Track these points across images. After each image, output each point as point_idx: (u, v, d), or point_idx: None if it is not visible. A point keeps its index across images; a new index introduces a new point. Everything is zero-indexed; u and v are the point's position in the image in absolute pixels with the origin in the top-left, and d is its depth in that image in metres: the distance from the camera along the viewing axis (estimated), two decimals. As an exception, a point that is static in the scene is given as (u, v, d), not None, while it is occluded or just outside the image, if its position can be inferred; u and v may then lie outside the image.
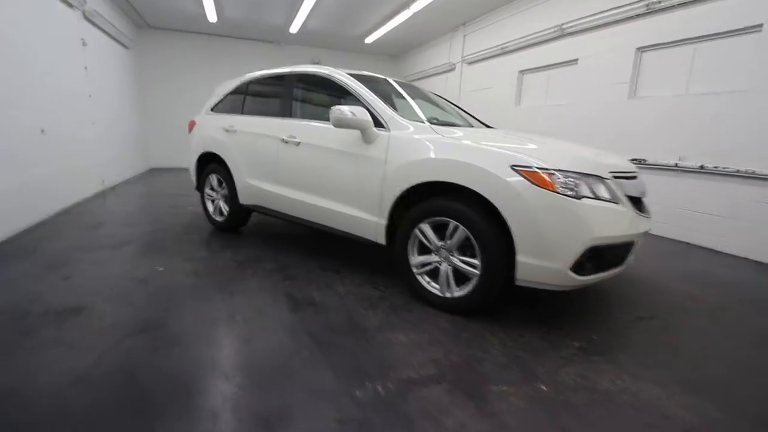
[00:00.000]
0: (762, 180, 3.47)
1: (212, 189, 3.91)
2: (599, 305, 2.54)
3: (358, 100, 2.68)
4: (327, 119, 2.90)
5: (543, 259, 1.92)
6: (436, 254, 2.30)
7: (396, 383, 1.62)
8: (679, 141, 4.11)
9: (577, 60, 5.29)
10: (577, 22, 5.11)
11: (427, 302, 2.36)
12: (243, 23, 8.18)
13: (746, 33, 3.54)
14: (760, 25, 3.41)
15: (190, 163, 4.11)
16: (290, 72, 3.22)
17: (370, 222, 2.55)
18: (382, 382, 1.63)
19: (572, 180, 1.92)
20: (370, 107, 2.57)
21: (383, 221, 2.48)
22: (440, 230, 2.26)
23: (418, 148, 2.29)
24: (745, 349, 2.08)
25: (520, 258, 1.96)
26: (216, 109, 3.91)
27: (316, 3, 6.52)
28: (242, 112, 3.58)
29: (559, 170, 1.93)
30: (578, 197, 1.90)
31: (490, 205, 2.05)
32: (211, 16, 7.47)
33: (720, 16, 3.69)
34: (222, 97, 3.86)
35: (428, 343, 1.97)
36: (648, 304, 2.60)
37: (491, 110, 6.59)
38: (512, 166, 1.96)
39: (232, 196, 3.61)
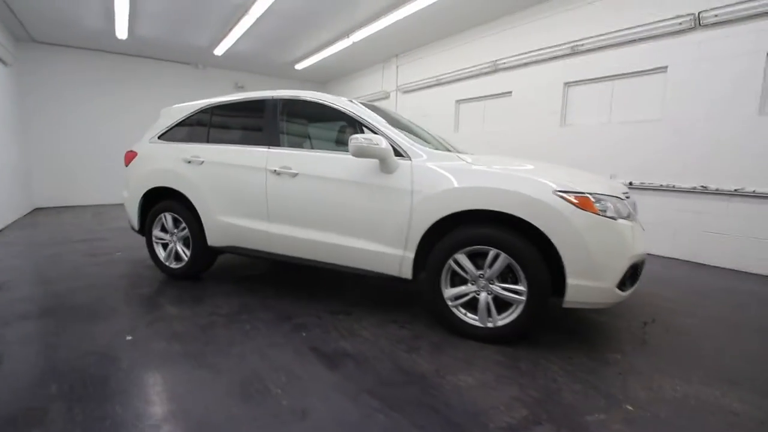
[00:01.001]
0: (681, 192, 4.20)
1: (164, 231, 3.29)
2: (588, 319, 2.72)
3: (367, 128, 2.53)
4: (329, 148, 2.70)
5: (593, 279, 1.98)
6: (473, 284, 2.23)
7: (504, 434, 1.48)
8: (608, 162, 4.77)
9: (511, 92, 5.88)
10: (510, 59, 5.71)
11: (465, 335, 2.26)
12: (159, 42, 7.34)
13: (655, 73, 4.34)
14: (666, 67, 4.21)
15: (130, 200, 3.41)
16: (274, 97, 2.91)
17: (393, 256, 2.37)
18: (490, 436, 1.47)
19: (605, 202, 2.05)
20: (385, 136, 2.44)
21: (410, 254, 2.33)
22: (475, 259, 2.21)
23: (453, 176, 2.22)
24: (742, 339, 2.41)
25: (571, 281, 1.99)
26: (166, 137, 3.34)
27: (252, 25, 6.16)
28: (208, 141, 3.12)
29: (595, 193, 2.04)
30: (615, 218, 2.03)
31: (531, 231, 2.07)
32: (121, 33, 6.53)
33: (632, 59, 4.47)
34: (174, 124, 3.32)
35: (495, 380, 1.85)
36: (637, 310, 2.87)
37: (433, 136, 6.91)
38: (555, 192, 2.02)
39: (196, 238, 3.07)
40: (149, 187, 3.25)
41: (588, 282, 1.98)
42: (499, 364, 2.01)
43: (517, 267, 2.08)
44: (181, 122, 3.30)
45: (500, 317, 2.18)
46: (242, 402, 1.65)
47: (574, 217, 1.97)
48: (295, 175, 2.63)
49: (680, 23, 3.99)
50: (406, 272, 2.37)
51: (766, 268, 3.70)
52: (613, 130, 4.74)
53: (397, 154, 2.39)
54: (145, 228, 3.37)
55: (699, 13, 3.85)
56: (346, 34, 6.64)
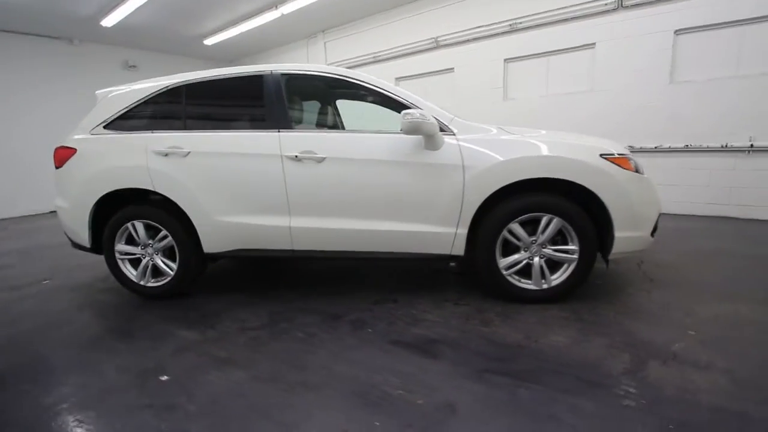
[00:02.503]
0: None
1: (132, 243, 2.65)
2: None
3: (400, 103, 2.37)
4: (353, 128, 2.46)
5: (635, 230, 2.23)
6: (525, 251, 2.32)
7: (649, 375, 1.60)
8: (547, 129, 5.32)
9: (453, 68, 6.08)
10: (452, 36, 5.87)
11: (523, 300, 2.35)
12: (22, 11, 5.64)
13: (585, 49, 4.92)
14: (594, 44, 4.81)
15: (74, 210, 2.65)
16: (274, 72, 2.49)
17: (445, 234, 2.31)
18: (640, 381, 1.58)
19: (635, 161, 2.30)
20: (428, 110, 2.31)
21: (464, 230, 2.30)
22: (524, 226, 2.29)
23: (504, 148, 2.22)
24: (716, 263, 2.97)
25: (618, 234, 2.21)
26: (115, 126, 2.64)
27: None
28: (186, 127, 2.56)
29: (626, 153, 2.28)
30: (643, 173, 2.29)
31: (573, 193, 2.23)
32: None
33: (565, 36, 4.99)
34: (125, 109, 2.63)
35: (580, 335, 1.98)
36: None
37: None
38: (601, 155, 2.19)
39: (184, 246, 2.54)
40: (106, 191, 2.55)
41: (631, 233, 2.23)
42: (568, 320, 2.15)
43: (570, 228, 2.22)
44: (136, 106, 2.63)
45: (553, 278, 2.32)
46: (376, 413, 1.47)
47: (618, 176, 2.17)
48: (321, 160, 2.33)
49: (606, 4, 4.58)
50: (459, 249, 2.35)
51: (680, 208, 4.61)
52: (550, 102, 5.28)
53: (441, 129, 2.30)
54: (102, 243, 2.67)
55: (621, -5, 4.48)
56: (274, 4, 6.01)
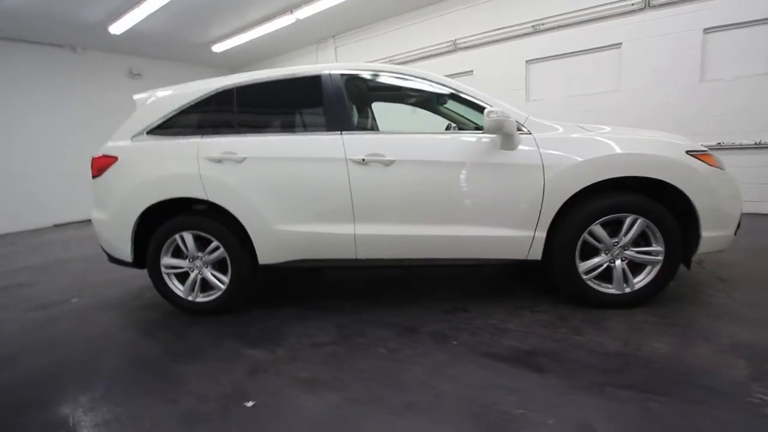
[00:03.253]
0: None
1: (179, 256, 2.48)
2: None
3: (472, 103, 2.27)
4: (418, 129, 2.34)
5: (720, 229, 2.14)
6: (606, 253, 2.21)
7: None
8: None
9: (472, 71, 6.03)
10: (471, 38, 5.82)
11: (601, 305, 2.24)
12: (27, 18, 5.43)
13: (611, 49, 4.90)
14: (620, 43, 4.79)
15: (115, 223, 2.48)
16: (332, 73, 2.37)
17: (522, 238, 2.20)
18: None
19: (717, 156, 2.22)
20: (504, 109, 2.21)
21: (542, 234, 2.18)
22: (606, 228, 2.19)
23: (584, 147, 2.13)
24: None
25: (705, 233, 2.11)
26: (160, 131, 2.48)
27: (175, -5, 5.01)
28: (237, 132, 2.41)
29: (708, 150, 2.20)
30: (725, 170, 2.21)
31: (656, 193, 2.13)
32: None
33: (590, 36, 4.97)
34: (172, 113, 2.48)
35: (680, 340, 1.88)
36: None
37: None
38: (687, 152, 2.10)
39: (237, 258, 2.38)
40: (153, 202, 2.38)
41: (718, 232, 2.14)
42: (661, 325, 2.04)
43: (655, 229, 2.13)
44: (182, 111, 2.48)
45: (636, 281, 2.22)
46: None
47: (705, 173, 2.09)
48: (390, 163, 2.21)
49: (632, 4, 4.57)
50: (536, 254, 2.23)
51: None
52: (573, 102, 5.24)
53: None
54: (147, 257, 2.49)
55: (648, -5, 4.47)
56: (289, 9, 5.90)
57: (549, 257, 2.24)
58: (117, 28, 5.95)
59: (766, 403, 1.41)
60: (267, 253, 2.38)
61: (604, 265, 2.22)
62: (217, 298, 2.47)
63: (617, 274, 2.20)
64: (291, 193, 2.31)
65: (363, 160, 2.21)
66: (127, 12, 5.48)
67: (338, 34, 7.43)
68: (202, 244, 2.45)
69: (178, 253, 2.50)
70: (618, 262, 2.20)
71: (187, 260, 2.48)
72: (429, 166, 2.21)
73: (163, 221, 2.46)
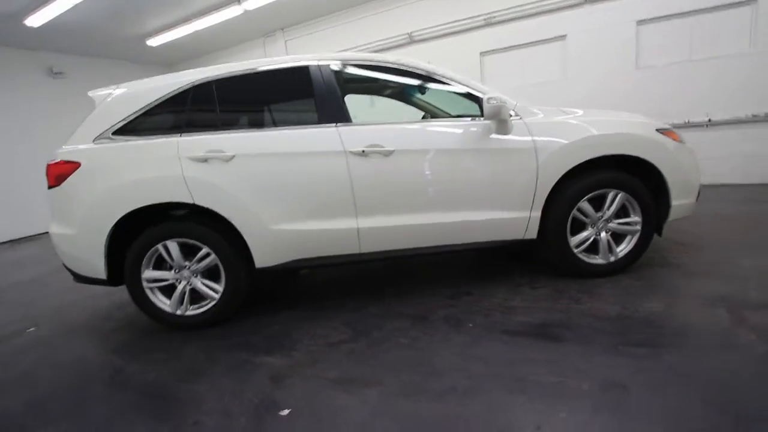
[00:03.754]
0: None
1: (162, 267, 2.26)
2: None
3: (469, 91, 2.32)
4: (415, 118, 2.34)
5: (686, 197, 2.40)
6: (592, 227, 2.39)
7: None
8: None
9: (429, 63, 6.12)
10: (426, 31, 5.92)
11: (591, 275, 2.42)
12: None
13: (557, 41, 5.25)
14: (565, 35, 5.15)
15: (83, 236, 2.20)
16: (321, 64, 2.28)
17: (520, 219, 2.30)
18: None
19: (680, 133, 2.48)
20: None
21: (537, 213, 2.30)
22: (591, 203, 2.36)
23: (571, 129, 2.26)
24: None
25: (674, 202, 2.36)
26: (128, 131, 2.23)
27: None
28: (220, 128, 2.23)
29: (672, 127, 2.45)
30: (685, 143, 2.48)
31: (632, 168, 2.34)
32: None
33: (538, 29, 5.28)
34: (140, 111, 2.24)
35: (671, 299, 2.10)
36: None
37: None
38: (657, 130, 2.32)
39: (231, 263, 2.23)
40: (130, 209, 2.14)
41: (684, 200, 2.39)
42: (647, 287, 2.25)
43: (633, 201, 2.33)
44: (153, 107, 2.25)
45: (619, 250, 2.42)
46: (551, 405, 1.40)
47: (672, 148, 2.33)
48: (389, 153, 2.19)
49: (575, -2, 4.94)
50: (532, 233, 2.35)
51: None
52: (525, 92, 5.54)
53: (507, 114, 2.28)
54: (125, 272, 2.23)
55: (589, -10, 4.85)
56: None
57: (543, 235, 2.37)
58: (35, 20, 5.20)
59: (755, 343, 1.62)
60: (264, 256, 2.26)
61: (591, 239, 2.40)
62: (211, 308, 2.30)
63: (603, 246, 2.39)
64: (287, 190, 2.20)
65: (363, 151, 2.17)
66: (48, 2, 4.83)
67: (288, 27, 7.16)
68: (188, 252, 2.26)
69: (160, 264, 2.28)
70: (603, 234, 2.39)
71: (173, 271, 2.27)
72: (428, 155, 2.23)
73: (139, 231, 2.24)
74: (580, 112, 2.52)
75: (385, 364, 1.77)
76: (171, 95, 2.26)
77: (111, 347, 2.29)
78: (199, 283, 2.29)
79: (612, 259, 2.41)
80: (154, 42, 6.80)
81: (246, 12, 5.82)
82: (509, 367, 1.65)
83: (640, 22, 4.73)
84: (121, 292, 2.66)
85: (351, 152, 2.18)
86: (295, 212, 2.22)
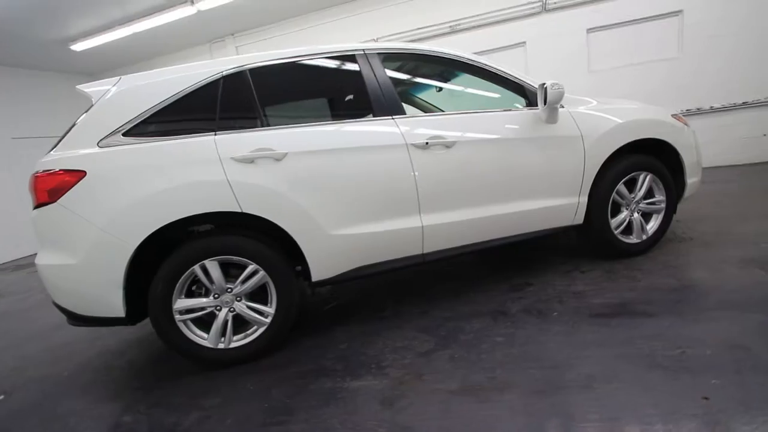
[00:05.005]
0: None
1: (199, 294, 1.88)
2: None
3: (505, 81, 2.33)
4: (468, 107, 2.28)
5: (696, 176, 2.66)
6: (626, 209, 2.52)
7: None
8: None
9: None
10: (391, 38, 5.92)
11: (627, 255, 2.54)
12: None
13: (517, 47, 5.61)
14: (524, 42, 5.53)
15: (99, 265, 1.74)
16: (368, 51, 2.10)
17: (569, 206, 2.34)
18: None
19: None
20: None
21: (585, 198, 2.37)
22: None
23: (609, 116, 2.37)
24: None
25: (689, 180, 2.60)
26: (143, 132, 1.82)
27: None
28: (264, 125, 1.93)
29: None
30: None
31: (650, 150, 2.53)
32: None
33: (500, 36, 5.59)
34: (156, 107, 1.84)
35: (714, 270, 2.26)
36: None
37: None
38: (672, 116, 2.55)
39: (284, 280, 1.93)
40: (159, 226, 1.74)
41: (695, 179, 2.65)
42: (680, 259, 2.44)
43: (659, 182, 2.52)
44: (175, 102, 1.87)
45: (649, 227, 2.59)
46: (694, 377, 1.40)
47: (685, 131, 2.57)
48: (451, 144, 2.08)
49: (532, 8, 5.32)
50: (580, 218, 2.41)
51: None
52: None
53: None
54: (150, 304, 1.80)
55: (545, 0, 5.27)
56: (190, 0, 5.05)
57: (588, 219, 2.45)
58: None
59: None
60: (322, 267, 1.99)
61: (627, 220, 2.54)
62: (261, 336, 1.95)
63: (636, 225, 2.54)
64: (346, 190, 1.98)
65: (426, 143, 2.04)
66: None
67: (239, 32, 6.69)
68: (225, 272, 1.91)
69: (198, 290, 1.89)
70: (636, 214, 2.54)
71: (212, 296, 1.89)
72: (487, 145, 2.18)
73: (163, 253, 1.84)
74: (595, 102, 2.67)
75: (500, 365, 1.65)
76: (195, 88, 1.91)
77: (132, 403, 1.81)
78: (245, 308, 1.94)
79: (644, 237, 2.57)
80: (79, 46, 5.85)
81: (199, 12, 5.30)
82: (626, 346, 1.64)
83: (590, 30, 5.27)
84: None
85: (413, 145, 2.03)
86: (356, 214, 2.00)
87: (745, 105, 4.89)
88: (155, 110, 1.86)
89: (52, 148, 1.86)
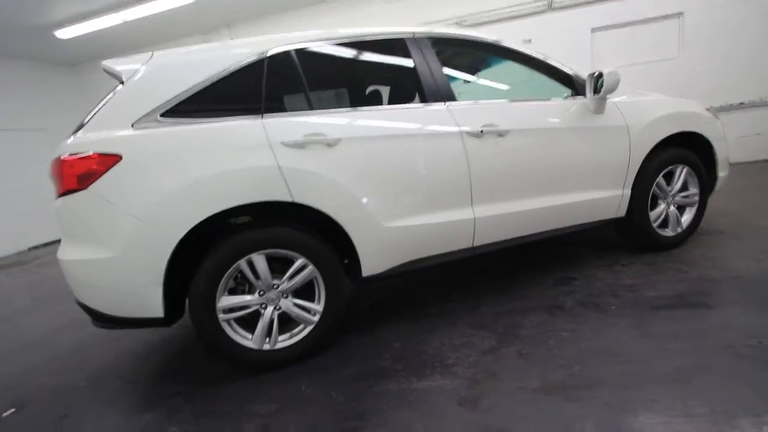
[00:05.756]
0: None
1: (242, 291, 1.73)
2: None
3: (560, 71, 2.31)
4: (512, 95, 2.21)
5: (725, 169, 2.68)
6: (663, 202, 2.51)
7: None
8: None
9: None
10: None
11: (664, 247, 2.54)
12: None
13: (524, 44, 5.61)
14: (530, 40, 5.53)
15: (137, 259, 1.56)
16: (417, 35, 2.01)
17: (613, 198, 2.31)
18: None
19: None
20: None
21: (628, 191, 2.34)
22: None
23: (652, 108, 2.36)
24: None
25: (720, 173, 2.62)
26: (185, 113, 1.65)
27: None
28: (314, 108, 1.79)
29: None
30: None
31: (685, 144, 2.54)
32: None
33: (506, 33, 5.55)
34: (199, 87, 1.67)
35: (747, 255, 2.27)
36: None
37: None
38: (705, 109, 2.55)
39: (333, 275, 1.80)
40: (205, 216, 1.58)
41: (724, 172, 2.67)
42: (719, 251, 2.44)
43: (694, 175, 2.53)
44: (217, 82, 1.71)
45: (683, 220, 2.59)
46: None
47: (717, 125, 2.58)
48: (504, 133, 2.00)
49: (538, 6, 5.35)
50: (622, 211, 2.38)
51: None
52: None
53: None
54: (191, 303, 1.63)
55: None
56: (187, -14, 4.80)
57: (629, 212, 2.42)
58: None
59: None
60: (374, 261, 1.87)
61: (664, 213, 2.53)
62: (309, 335, 1.82)
63: (672, 218, 2.54)
64: (400, 179, 1.86)
65: (481, 131, 1.95)
66: None
67: (234, 24, 6.45)
68: (285, 266, 1.76)
69: (241, 287, 1.74)
70: (672, 207, 2.54)
71: (257, 294, 1.74)
72: (539, 134, 2.11)
73: (204, 245, 1.68)
74: (625, 95, 2.66)
75: (577, 360, 1.57)
76: (237, 67, 1.75)
77: (194, 409, 1.64)
78: (292, 305, 1.79)
79: (679, 230, 2.57)
80: (64, 33, 5.48)
81: (196, 1, 5.05)
82: (703, 337, 1.59)
83: (595, 30, 5.34)
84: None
85: (467, 133, 1.94)
86: (410, 205, 1.89)
87: (742, 105, 5.06)
88: (195, 90, 1.69)
89: (75, 131, 1.67)
